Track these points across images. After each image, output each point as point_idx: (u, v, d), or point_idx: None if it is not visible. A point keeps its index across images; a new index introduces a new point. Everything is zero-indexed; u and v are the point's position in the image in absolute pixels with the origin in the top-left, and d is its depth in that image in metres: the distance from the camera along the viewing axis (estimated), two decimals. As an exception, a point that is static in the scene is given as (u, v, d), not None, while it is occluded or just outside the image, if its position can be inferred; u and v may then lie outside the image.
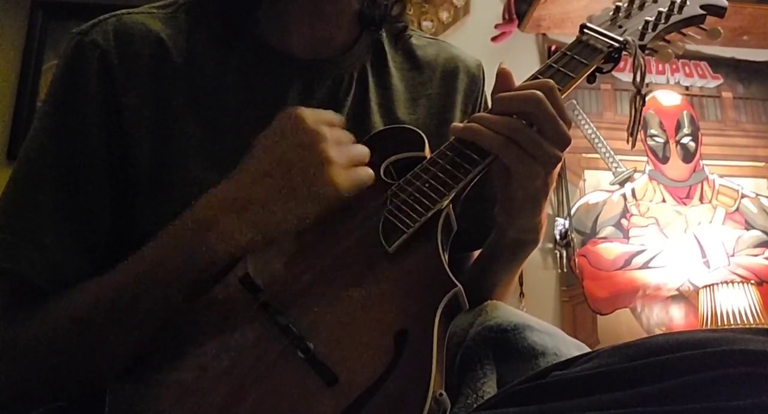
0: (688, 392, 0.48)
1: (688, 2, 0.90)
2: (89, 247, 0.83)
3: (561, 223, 2.75)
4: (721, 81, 3.11)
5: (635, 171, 2.91)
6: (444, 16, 2.94)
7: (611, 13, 0.90)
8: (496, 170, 0.82)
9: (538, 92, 0.76)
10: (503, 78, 0.82)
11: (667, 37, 0.91)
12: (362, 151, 0.78)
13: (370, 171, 0.76)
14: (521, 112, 0.77)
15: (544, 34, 3.01)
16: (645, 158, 2.95)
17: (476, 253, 1.03)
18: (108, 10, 0.90)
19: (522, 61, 2.91)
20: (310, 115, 0.75)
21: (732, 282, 2.54)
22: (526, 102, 0.76)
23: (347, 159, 0.75)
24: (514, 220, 0.85)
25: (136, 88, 0.85)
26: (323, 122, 0.76)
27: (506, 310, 0.80)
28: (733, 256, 2.80)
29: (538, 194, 0.81)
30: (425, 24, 2.90)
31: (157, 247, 0.74)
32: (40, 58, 2.77)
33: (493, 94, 0.82)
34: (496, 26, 2.98)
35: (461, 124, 0.80)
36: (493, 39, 2.96)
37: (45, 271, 0.79)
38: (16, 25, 2.79)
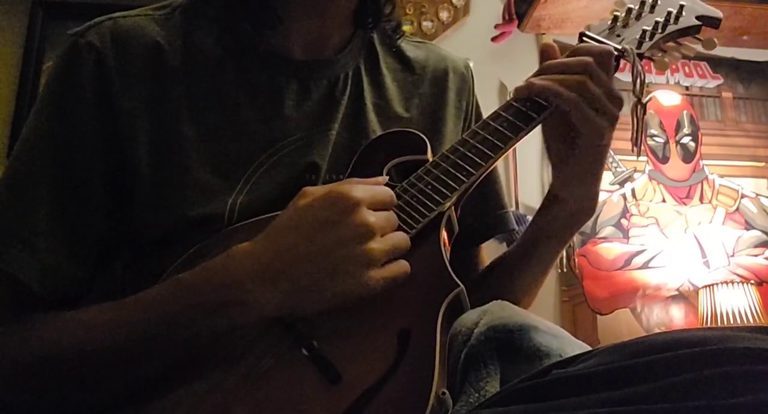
0: (687, 390, 0.48)
1: (684, 13, 0.91)
2: (83, 251, 0.83)
3: (561, 223, 2.75)
4: (721, 81, 3.11)
5: (635, 171, 2.91)
6: (444, 16, 2.94)
7: (609, 22, 0.92)
8: (555, 144, 0.87)
9: (590, 58, 0.81)
10: (550, 52, 0.87)
11: (663, 46, 0.92)
12: (403, 242, 0.73)
13: (405, 265, 0.72)
14: (577, 73, 0.81)
15: (543, 35, 3.01)
16: (645, 158, 2.95)
17: (482, 248, 1.06)
18: (108, 10, 0.90)
19: (522, 61, 2.91)
20: (366, 199, 0.71)
21: (732, 282, 2.54)
22: (582, 65, 0.81)
23: (388, 254, 0.71)
24: (576, 190, 0.89)
25: (133, 91, 0.85)
26: (377, 204, 0.73)
27: (512, 310, 0.80)
28: (733, 256, 2.80)
29: (603, 154, 0.86)
30: (425, 24, 2.90)
31: (167, 303, 0.72)
32: (40, 58, 2.76)
33: (542, 65, 0.86)
34: (496, 26, 2.97)
35: (527, 82, 0.84)
36: (493, 39, 2.96)
37: (37, 275, 0.78)
38: (16, 25, 2.79)
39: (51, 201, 0.81)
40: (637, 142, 0.88)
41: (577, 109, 0.80)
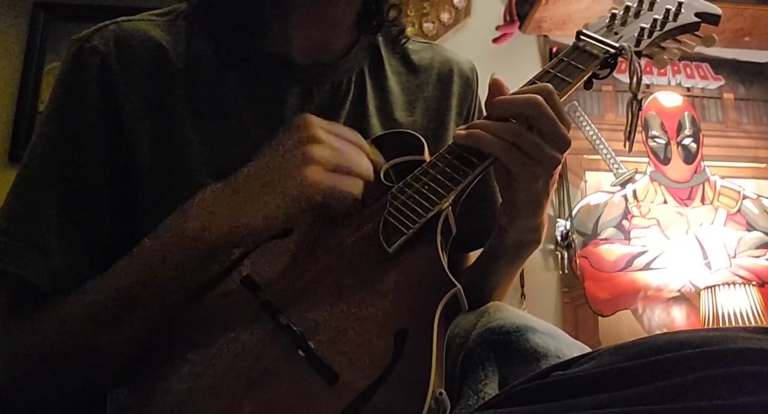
0: (687, 391, 0.48)
1: (682, 10, 0.91)
2: (90, 251, 0.84)
3: (562, 225, 2.75)
4: (722, 82, 3.10)
5: (636, 172, 2.91)
6: (445, 17, 2.94)
7: (607, 20, 0.92)
8: (497, 173, 0.84)
9: (538, 96, 0.77)
10: (496, 89, 0.83)
11: (662, 44, 0.92)
12: (359, 162, 0.76)
13: (358, 182, 0.74)
14: (521, 115, 0.78)
15: (545, 36, 3.01)
16: (646, 159, 2.94)
17: (473, 253, 1.04)
18: (108, 12, 0.91)
19: (523, 62, 2.91)
20: (317, 121, 0.75)
21: (733, 283, 2.54)
22: (527, 105, 0.78)
23: (334, 163, 0.73)
24: (515, 222, 0.86)
25: (137, 94, 0.86)
26: (328, 130, 0.75)
27: (509, 311, 0.80)
28: (734, 257, 2.80)
29: (540, 195, 0.83)
30: (426, 25, 2.90)
31: (146, 251, 0.75)
32: (41, 60, 2.77)
33: (486, 104, 0.83)
34: (498, 28, 2.97)
35: (464, 131, 0.81)
36: (495, 40, 2.96)
37: (47, 276, 0.79)
38: (17, 27, 2.80)
39: (59, 204, 0.82)
40: (630, 136, 0.88)
41: (507, 156, 0.78)
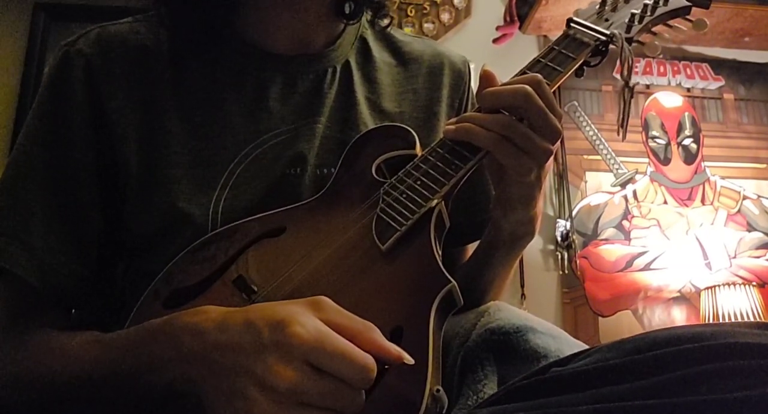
0: (685, 385, 0.48)
1: (673, -7, 0.90)
2: (80, 248, 0.84)
3: (562, 225, 2.75)
4: (722, 82, 3.11)
5: (637, 172, 2.91)
6: (445, 17, 2.94)
7: (597, 6, 0.91)
8: (489, 166, 0.83)
9: (526, 86, 0.76)
10: (487, 80, 0.81)
11: (654, 30, 0.91)
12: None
13: None
14: (511, 106, 0.77)
15: (545, 36, 3.01)
16: (646, 160, 2.94)
17: (470, 247, 1.04)
18: (109, 12, 0.92)
19: (523, 62, 2.89)
20: (331, 313, 0.59)
21: (734, 284, 2.53)
22: (515, 96, 0.76)
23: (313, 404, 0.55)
24: (509, 215, 0.85)
25: (122, 92, 0.87)
26: (316, 356, 0.55)
27: (510, 311, 0.80)
28: (734, 257, 2.79)
29: (532, 188, 0.81)
30: (426, 26, 2.91)
31: (127, 349, 0.70)
32: (42, 61, 2.77)
33: (476, 95, 0.82)
34: (498, 28, 2.97)
35: (453, 126, 0.80)
36: (495, 41, 2.96)
37: (35, 272, 0.80)
38: (18, 28, 2.80)
39: (45, 202, 0.83)
40: (623, 123, 0.87)
41: (497, 149, 0.76)
